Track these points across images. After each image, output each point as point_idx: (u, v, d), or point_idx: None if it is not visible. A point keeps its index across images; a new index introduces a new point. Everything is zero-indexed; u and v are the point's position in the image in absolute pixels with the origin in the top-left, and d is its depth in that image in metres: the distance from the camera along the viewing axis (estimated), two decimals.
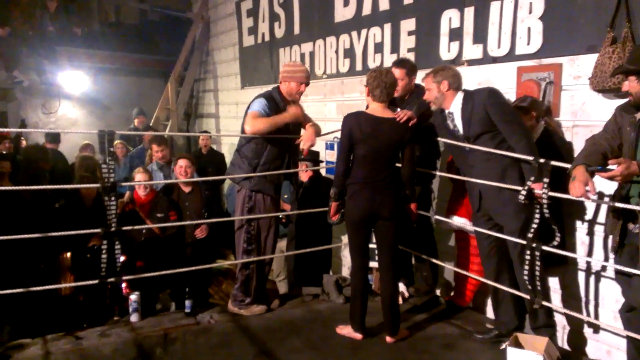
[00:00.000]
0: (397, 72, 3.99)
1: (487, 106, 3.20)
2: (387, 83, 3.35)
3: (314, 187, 4.81)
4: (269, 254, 4.00)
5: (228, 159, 7.17)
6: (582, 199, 2.71)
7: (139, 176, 4.92)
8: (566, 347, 3.64)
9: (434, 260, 4.05)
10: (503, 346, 3.06)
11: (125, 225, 3.61)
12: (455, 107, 3.38)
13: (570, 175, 2.76)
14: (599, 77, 3.25)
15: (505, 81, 3.99)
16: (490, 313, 4.13)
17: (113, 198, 3.42)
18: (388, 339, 3.48)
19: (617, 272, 2.92)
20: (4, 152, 5.31)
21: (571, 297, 3.64)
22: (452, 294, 4.24)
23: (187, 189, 4.89)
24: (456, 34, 4.40)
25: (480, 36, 4.20)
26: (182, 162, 4.88)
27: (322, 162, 4.86)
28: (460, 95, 3.36)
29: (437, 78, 3.36)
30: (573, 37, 3.53)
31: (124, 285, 4.13)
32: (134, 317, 3.83)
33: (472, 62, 4.30)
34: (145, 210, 4.74)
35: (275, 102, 3.84)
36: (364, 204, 3.38)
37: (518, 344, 3.03)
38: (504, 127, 3.17)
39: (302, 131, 4.04)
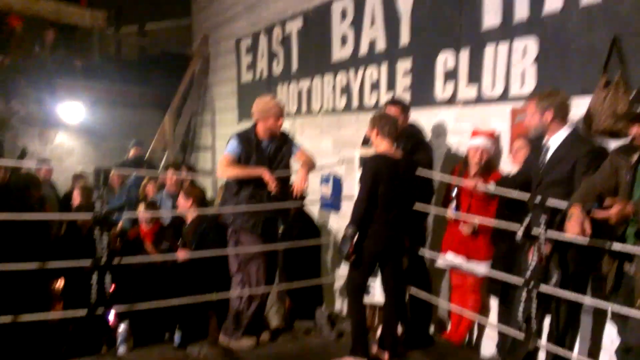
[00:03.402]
0: (392, 110, 4.08)
1: (579, 164, 3.02)
2: (392, 120, 3.68)
3: (297, 223, 4.80)
4: (260, 287, 3.96)
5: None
6: (578, 239, 2.72)
7: (141, 213, 4.96)
8: None
9: (428, 297, 4.02)
10: None
11: (128, 252, 3.60)
12: (554, 142, 3.16)
13: (567, 215, 2.77)
14: (592, 119, 3.31)
15: (499, 122, 4.06)
16: (484, 351, 4.09)
17: (104, 232, 3.43)
18: (386, 356, 3.64)
19: (613, 313, 2.91)
20: None
21: None
22: (446, 331, 4.19)
23: (189, 219, 4.88)
24: (451, 75, 4.50)
25: (474, 77, 4.29)
26: (180, 195, 4.95)
27: (304, 198, 4.83)
28: (564, 132, 3.14)
29: (541, 104, 3.13)
30: (566, 80, 3.60)
31: (112, 316, 4.05)
32: (121, 349, 3.75)
33: (467, 102, 4.37)
34: (149, 239, 4.77)
35: (249, 142, 3.91)
36: (383, 241, 3.59)
37: None
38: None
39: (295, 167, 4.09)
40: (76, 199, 5.29)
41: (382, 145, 3.64)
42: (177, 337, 3.87)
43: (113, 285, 3.65)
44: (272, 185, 3.78)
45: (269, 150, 3.99)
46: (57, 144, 9.51)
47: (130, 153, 7.95)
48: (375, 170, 3.54)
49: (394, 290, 3.74)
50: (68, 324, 4.17)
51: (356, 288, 3.66)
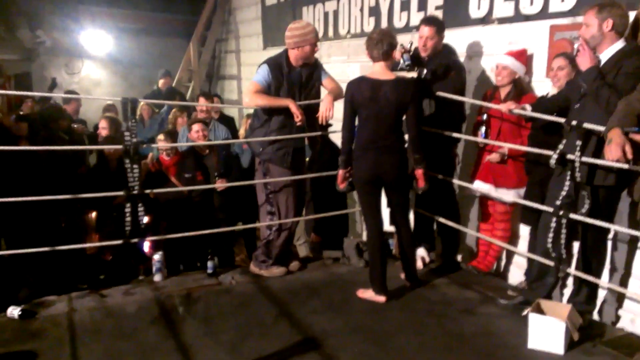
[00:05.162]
0: (426, 30, 3.86)
1: (620, 77, 2.82)
2: (375, 40, 3.38)
3: (322, 153, 4.75)
4: (290, 217, 4.00)
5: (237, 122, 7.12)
6: (618, 164, 2.60)
7: (161, 144, 4.94)
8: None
9: (456, 226, 4.00)
10: (525, 312, 3.02)
11: (151, 185, 3.64)
12: (605, 55, 2.95)
13: (606, 138, 2.63)
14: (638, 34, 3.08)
15: (537, 40, 3.82)
16: (511, 279, 4.10)
17: (135, 165, 3.47)
18: (408, 283, 3.74)
19: None
20: (21, 113, 5.31)
21: None
22: (473, 259, 4.20)
23: (204, 152, 4.88)
24: None
25: None
26: (196, 127, 4.89)
27: (330, 126, 4.74)
28: (618, 45, 2.93)
29: (601, 14, 2.91)
30: None
31: (147, 245, 4.19)
32: (157, 277, 3.90)
33: (502, 20, 4.12)
34: (172, 171, 4.79)
35: (280, 70, 3.76)
36: (368, 167, 3.44)
37: (540, 310, 2.99)
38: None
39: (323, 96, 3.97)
40: (103, 130, 5.28)
41: (372, 68, 3.44)
42: (209, 265, 3.99)
43: (147, 217, 3.77)
44: (299, 117, 3.70)
45: (301, 77, 3.87)
46: (84, 76, 9.56)
47: (160, 83, 7.92)
48: (349, 96, 3.41)
49: (397, 219, 3.65)
50: (106, 254, 4.34)
51: (365, 216, 3.63)
